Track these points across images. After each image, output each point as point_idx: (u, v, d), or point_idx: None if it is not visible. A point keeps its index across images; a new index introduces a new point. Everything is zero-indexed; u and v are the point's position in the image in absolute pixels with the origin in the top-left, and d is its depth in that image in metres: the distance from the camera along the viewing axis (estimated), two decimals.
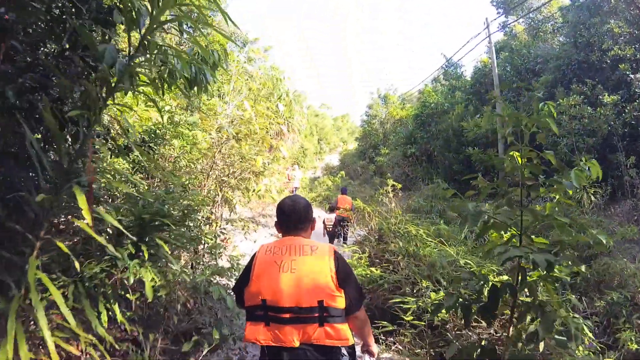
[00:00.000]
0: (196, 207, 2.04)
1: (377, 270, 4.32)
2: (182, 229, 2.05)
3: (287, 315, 1.40)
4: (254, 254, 1.54)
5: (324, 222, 7.62)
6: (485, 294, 2.31)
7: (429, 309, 2.83)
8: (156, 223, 1.71)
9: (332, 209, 7.73)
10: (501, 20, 16.77)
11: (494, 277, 2.86)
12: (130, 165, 2.97)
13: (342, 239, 7.77)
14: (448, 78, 17.25)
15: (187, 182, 3.15)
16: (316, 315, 1.39)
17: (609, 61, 10.79)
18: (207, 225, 3.33)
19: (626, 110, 9.51)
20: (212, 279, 2.42)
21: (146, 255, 1.60)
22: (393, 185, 5.23)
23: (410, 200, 8.03)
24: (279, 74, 17.06)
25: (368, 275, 4.21)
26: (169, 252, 1.67)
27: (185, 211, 2.05)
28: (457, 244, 5.09)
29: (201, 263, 2.84)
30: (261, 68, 21.37)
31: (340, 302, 1.42)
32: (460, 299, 2.27)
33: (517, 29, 15.91)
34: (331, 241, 7.75)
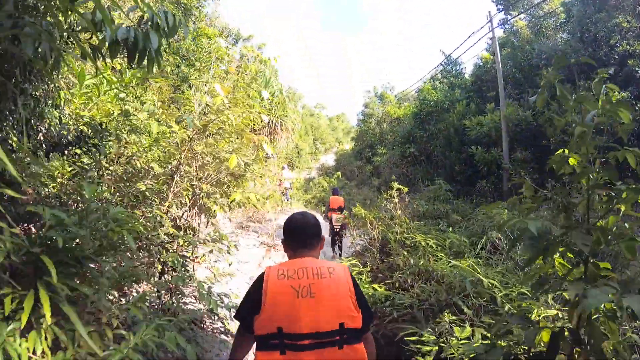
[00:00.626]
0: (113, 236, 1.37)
1: (381, 288, 3.71)
2: (104, 265, 1.40)
3: (307, 342, 1.30)
4: (261, 277, 1.39)
5: (331, 223, 7.33)
6: (537, 340, 1.73)
7: (454, 351, 2.21)
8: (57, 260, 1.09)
9: (341, 210, 7.46)
10: (501, 17, 16.31)
11: (538, 312, 2.26)
12: (71, 168, 2.31)
13: (337, 249, 7.53)
14: (447, 76, 16.73)
15: (145, 189, 2.49)
16: (337, 338, 1.32)
17: (617, 57, 10.35)
18: (175, 242, 2.68)
19: (637, 107, 9.04)
20: (170, 320, 1.79)
21: (25, 316, 0.96)
22: (398, 189, 4.58)
23: (415, 204, 7.42)
24: (271, 69, 16.42)
25: (371, 294, 3.59)
26: (69, 307, 1.05)
27: (103, 241, 1.36)
28: (470, 255, 4.49)
29: (162, 298, 2.20)
30: (263, 82, 20.68)
31: (358, 322, 1.37)
32: (504, 346, 1.68)
33: (518, 25, 15.42)
34: (332, 247, 7.59)
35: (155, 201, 2.55)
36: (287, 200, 13.20)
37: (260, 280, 1.38)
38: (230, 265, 3.08)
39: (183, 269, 2.39)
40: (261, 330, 1.31)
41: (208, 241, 2.44)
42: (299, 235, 1.48)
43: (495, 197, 10.19)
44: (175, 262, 2.23)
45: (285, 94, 14.45)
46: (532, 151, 10.42)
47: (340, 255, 7.51)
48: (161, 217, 2.37)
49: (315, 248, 1.49)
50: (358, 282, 1.57)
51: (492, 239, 5.31)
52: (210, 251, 2.50)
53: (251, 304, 1.35)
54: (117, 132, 2.49)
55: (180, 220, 2.81)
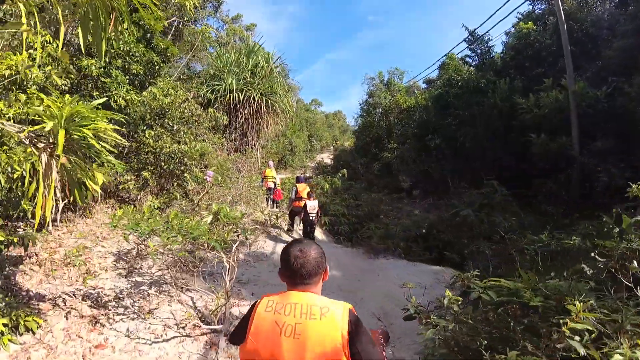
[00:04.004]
0: None
1: None
2: None
3: None
4: (254, 304, 1.31)
5: (306, 210, 7.17)
6: None
7: None
8: None
9: (300, 199, 7.49)
10: None
11: None
12: None
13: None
14: (472, 55, 13.91)
15: None
16: None
17: None
18: None
19: None
20: None
21: None
22: None
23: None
24: (262, 50, 13.47)
25: None
26: None
27: None
28: None
29: None
30: (243, 47, 17.71)
31: None
32: None
33: None
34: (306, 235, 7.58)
35: None
36: (270, 201, 10.13)
37: (252, 307, 1.31)
38: None
39: None
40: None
41: None
42: (295, 273, 1.28)
43: (566, 204, 7.34)
44: None
45: (273, 66, 11.33)
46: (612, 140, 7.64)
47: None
48: None
49: (316, 284, 1.31)
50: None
51: None
52: None
53: (240, 331, 1.29)
54: None
55: None
